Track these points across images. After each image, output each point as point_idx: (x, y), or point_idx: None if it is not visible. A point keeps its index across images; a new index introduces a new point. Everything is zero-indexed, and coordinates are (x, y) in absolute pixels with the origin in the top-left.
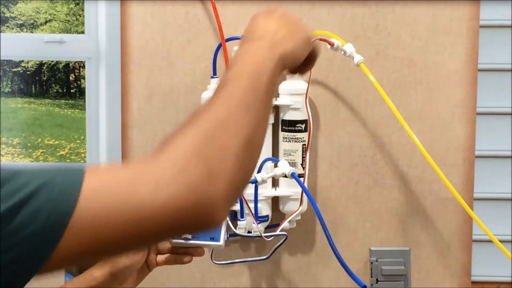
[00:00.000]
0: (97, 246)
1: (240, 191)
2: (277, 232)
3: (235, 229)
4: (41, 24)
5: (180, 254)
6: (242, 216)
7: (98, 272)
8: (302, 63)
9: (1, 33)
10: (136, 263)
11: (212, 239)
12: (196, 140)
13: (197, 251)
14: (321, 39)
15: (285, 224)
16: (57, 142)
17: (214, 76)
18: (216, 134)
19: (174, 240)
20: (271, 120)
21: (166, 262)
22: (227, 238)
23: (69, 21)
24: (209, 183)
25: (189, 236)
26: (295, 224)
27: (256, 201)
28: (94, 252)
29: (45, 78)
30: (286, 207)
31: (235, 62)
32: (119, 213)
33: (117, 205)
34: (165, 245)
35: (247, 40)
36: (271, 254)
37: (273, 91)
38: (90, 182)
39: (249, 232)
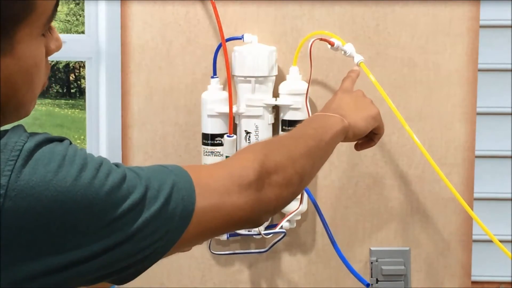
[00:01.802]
0: (206, 231)
1: (284, 207)
2: (276, 230)
3: None
4: None
5: None
6: None
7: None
8: (366, 137)
9: None
10: None
11: None
12: (278, 167)
13: None
14: (321, 39)
15: (285, 224)
16: None
17: (214, 76)
18: (288, 168)
19: None
20: (271, 120)
21: None
22: (227, 238)
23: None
24: (275, 202)
25: None
26: (295, 224)
27: None
28: (204, 237)
29: None
30: (287, 207)
31: (313, 120)
32: (220, 206)
33: (219, 201)
34: None
35: (325, 109)
36: (269, 248)
37: (331, 148)
38: (197, 181)
39: (249, 231)
